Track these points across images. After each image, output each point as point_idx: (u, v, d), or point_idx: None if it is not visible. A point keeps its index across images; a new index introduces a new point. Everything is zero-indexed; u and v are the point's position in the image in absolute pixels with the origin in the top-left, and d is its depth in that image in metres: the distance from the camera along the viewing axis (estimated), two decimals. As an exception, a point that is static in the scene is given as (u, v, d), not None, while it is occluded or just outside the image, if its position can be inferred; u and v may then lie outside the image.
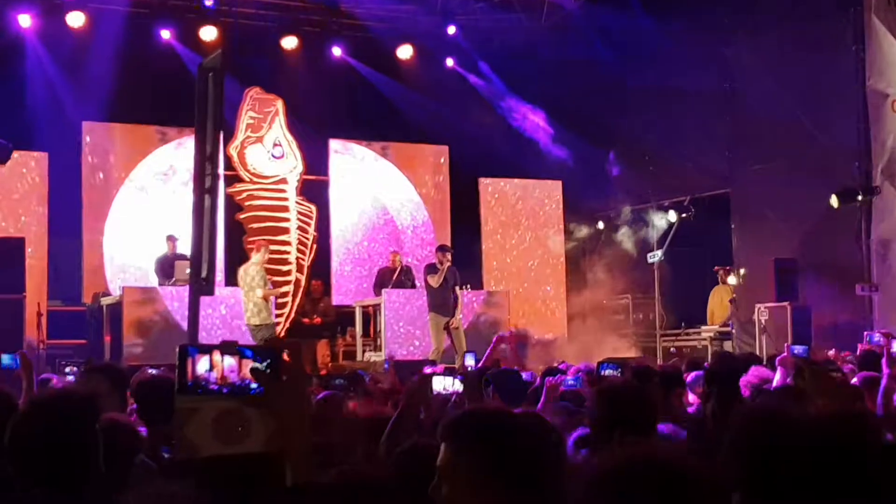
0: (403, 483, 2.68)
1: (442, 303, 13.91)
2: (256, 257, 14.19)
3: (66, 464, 3.02)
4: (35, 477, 3.02)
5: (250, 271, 13.89)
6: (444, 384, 6.10)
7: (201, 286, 8.09)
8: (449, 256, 14.04)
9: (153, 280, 14.65)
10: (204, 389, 2.32)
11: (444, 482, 2.47)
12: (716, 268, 16.07)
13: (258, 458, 2.30)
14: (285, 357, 2.35)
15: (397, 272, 15.53)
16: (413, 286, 15.44)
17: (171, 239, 14.52)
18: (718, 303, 16.02)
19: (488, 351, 9.72)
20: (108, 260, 15.63)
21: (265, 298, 13.95)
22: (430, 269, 14.11)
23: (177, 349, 2.31)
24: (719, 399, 5.51)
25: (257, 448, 2.28)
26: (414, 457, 3.01)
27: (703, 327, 15.93)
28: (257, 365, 2.34)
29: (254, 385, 2.32)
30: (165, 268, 14.36)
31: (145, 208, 15.95)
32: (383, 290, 14.86)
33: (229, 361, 2.34)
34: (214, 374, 2.33)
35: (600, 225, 18.16)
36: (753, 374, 5.89)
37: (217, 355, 2.34)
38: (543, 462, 2.45)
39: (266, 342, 2.42)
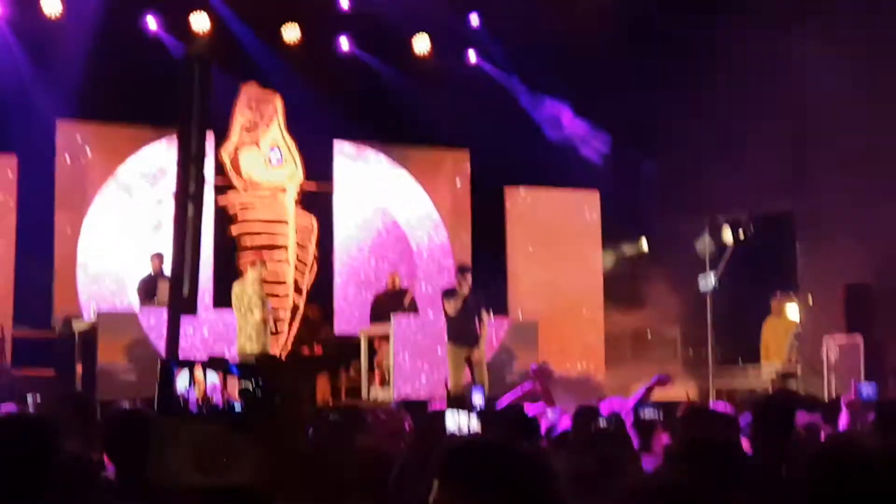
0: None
1: (463, 332, 13.67)
2: (253, 274, 14.01)
3: (18, 491, 2.97)
4: None
5: (247, 290, 13.69)
6: (458, 422, 6.02)
7: (182, 304, 7.90)
8: (469, 278, 13.83)
9: (133, 298, 14.57)
10: (183, 410, 2.27)
11: None
12: (775, 295, 15.84)
13: (243, 492, 2.25)
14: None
15: (406, 297, 15.39)
16: (414, 310, 15.23)
17: (157, 257, 14.46)
18: (773, 336, 15.79)
19: (515, 394, 9.53)
20: (80, 267, 15.46)
21: (264, 321, 13.73)
22: (448, 294, 13.88)
23: (158, 364, 2.32)
24: (768, 440, 5.37)
25: (243, 480, 2.22)
26: None
27: (764, 364, 15.67)
28: (247, 385, 2.28)
29: (239, 406, 2.29)
30: (149, 288, 14.31)
31: (127, 214, 15.82)
32: (392, 315, 14.65)
33: (212, 379, 2.29)
34: (195, 393, 2.29)
35: (644, 243, 17.96)
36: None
37: (199, 371, 2.29)
38: (542, 497, 2.46)
39: (258, 360, 2.35)
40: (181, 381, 2.28)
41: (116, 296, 15.14)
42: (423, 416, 8.42)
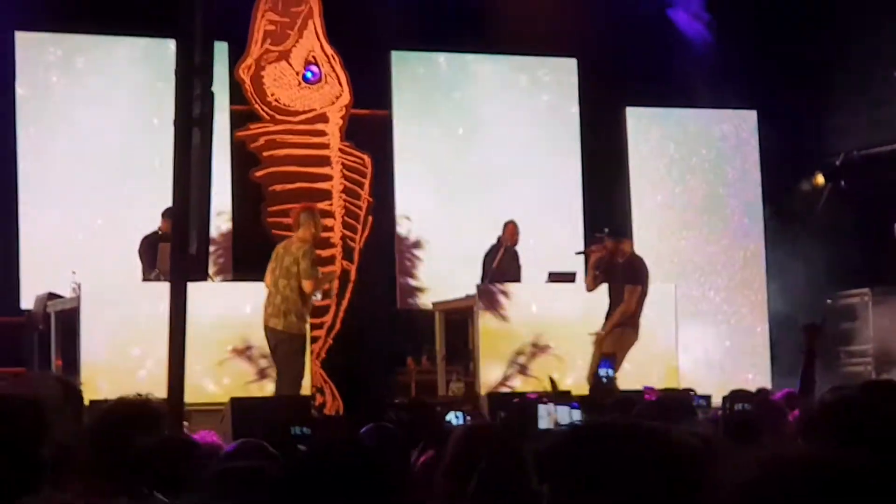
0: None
1: None
2: (305, 230, 13.44)
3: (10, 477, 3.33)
4: None
5: (293, 250, 13.28)
6: (548, 412, 6.26)
7: (188, 265, 7.92)
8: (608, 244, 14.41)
9: (129, 265, 14.60)
10: None
11: None
12: None
13: None
14: None
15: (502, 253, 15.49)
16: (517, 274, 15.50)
17: (169, 214, 14.20)
18: None
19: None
20: (55, 228, 15.64)
21: (312, 292, 13.38)
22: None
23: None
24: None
25: None
26: None
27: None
28: None
29: None
30: (153, 252, 14.21)
31: (114, 151, 16.00)
32: (476, 285, 14.86)
33: None
34: None
35: (820, 179, 18.12)
36: None
37: None
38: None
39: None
40: None
41: (105, 264, 15.20)
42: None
